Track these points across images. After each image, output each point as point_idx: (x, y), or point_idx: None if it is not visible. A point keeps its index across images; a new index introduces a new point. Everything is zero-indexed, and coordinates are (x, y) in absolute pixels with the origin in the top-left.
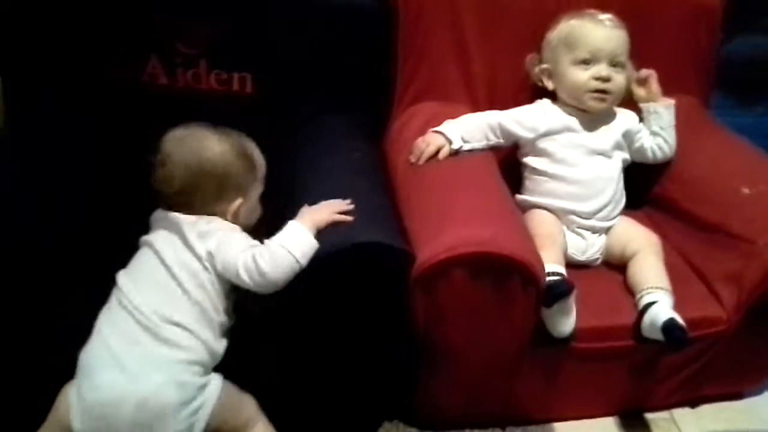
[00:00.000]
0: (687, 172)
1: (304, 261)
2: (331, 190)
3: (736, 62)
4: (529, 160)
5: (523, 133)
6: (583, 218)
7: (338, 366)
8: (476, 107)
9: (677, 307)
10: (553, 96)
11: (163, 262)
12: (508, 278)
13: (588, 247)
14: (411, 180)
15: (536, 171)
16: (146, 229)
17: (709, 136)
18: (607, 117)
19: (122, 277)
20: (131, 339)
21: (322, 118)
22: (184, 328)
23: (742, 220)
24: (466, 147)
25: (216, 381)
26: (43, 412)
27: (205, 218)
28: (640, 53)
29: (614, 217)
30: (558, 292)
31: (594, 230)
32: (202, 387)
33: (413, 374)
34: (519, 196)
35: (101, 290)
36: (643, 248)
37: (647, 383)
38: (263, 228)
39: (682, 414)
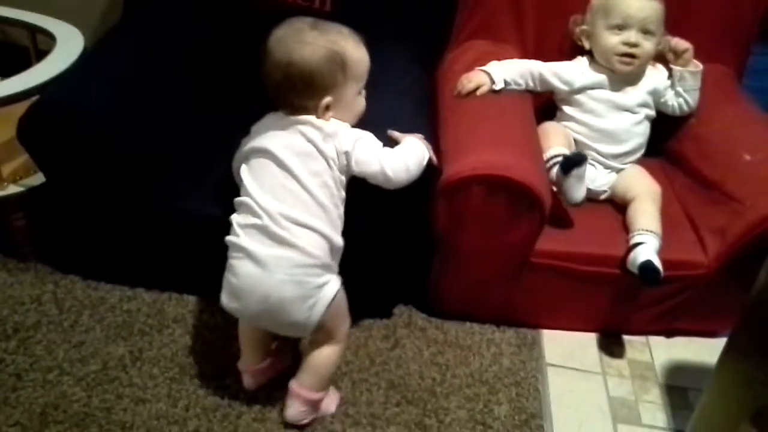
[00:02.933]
0: (703, 133)
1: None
2: (382, 109)
3: None
4: (562, 106)
5: (560, 85)
6: (602, 156)
7: (369, 253)
8: (524, 51)
9: (667, 248)
10: (590, 54)
11: (285, 167)
12: (518, 200)
13: (597, 177)
14: (452, 108)
15: (567, 116)
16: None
17: (730, 105)
18: (636, 77)
19: (250, 184)
20: (263, 238)
21: (386, 41)
22: (310, 228)
23: (736, 182)
24: (507, 88)
25: (333, 284)
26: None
27: (322, 120)
28: (680, 23)
29: (631, 160)
30: (575, 160)
31: (606, 166)
32: (320, 286)
33: (428, 268)
34: None
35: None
36: (643, 194)
37: (629, 310)
38: None
39: (656, 341)
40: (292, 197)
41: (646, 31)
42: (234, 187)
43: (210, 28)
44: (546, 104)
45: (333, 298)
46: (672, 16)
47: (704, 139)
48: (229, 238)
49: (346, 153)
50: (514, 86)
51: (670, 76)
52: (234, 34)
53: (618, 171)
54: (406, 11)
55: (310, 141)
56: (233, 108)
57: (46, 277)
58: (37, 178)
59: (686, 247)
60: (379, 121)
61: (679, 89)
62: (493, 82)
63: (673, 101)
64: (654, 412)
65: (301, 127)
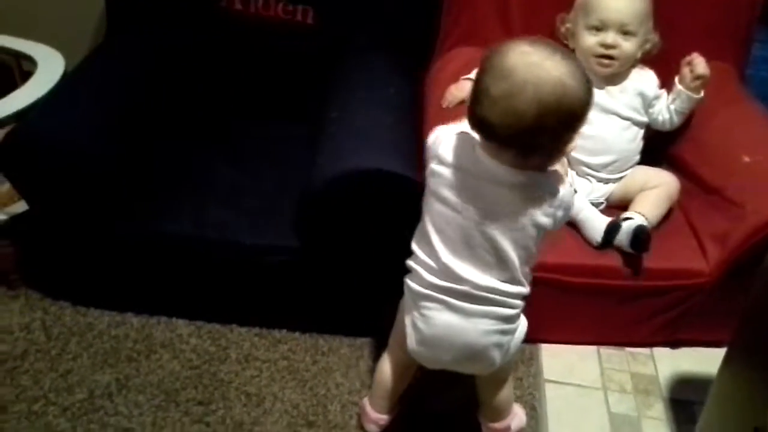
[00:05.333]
0: (700, 135)
1: None
2: (362, 121)
3: None
4: None
5: None
6: (592, 169)
7: (359, 269)
8: None
9: (668, 256)
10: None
11: (492, 242)
12: None
13: (593, 190)
14: (438, 118)
15: None
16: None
17: (729, 105)
18: (623, 79)
19: (442, 250)
20: (465, 299)
21: (369, 53)
22: (510, 295)
23: (736, 186)
24: None
25: (523, 325)
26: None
27: (550, 188)
28: (676, 21)
29: (625, 170)
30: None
31: (599, 179)
32: (514, 331)
33: None
34: None
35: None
36: (662, 185)
37: (630, 321)
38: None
39: (661, 353)
40: (497, 270)
41: (625, 32)
42: (220, 207)
43: (192, 48)
44: None
45: (521, 340)
46: (667, 13)
47: (703, 141)
48: (417, 288)
49: (558, 224)
50: None
51: (669, 89)
52: (217, 52)
53: (615, 181)
54: (389, 21)
55: (532, 221)
56: (214, 129)
57: (35, 304)
58: (23, 205)
59: (687, 255)
60: (361, 134)
61: (672, 107)
62: None
63: (659, 115)
64: (658, 429)
65: (524, 204)
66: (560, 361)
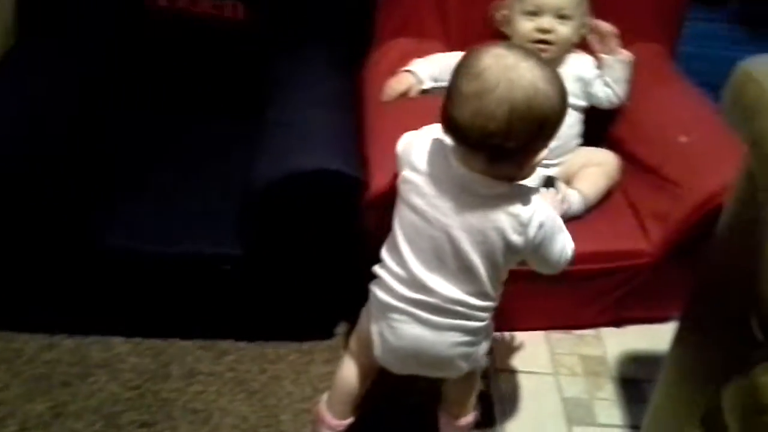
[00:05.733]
0: (636, 115)
1: None
2: (301, 120)
3: None
4: None
5: None
6: None
7: (304, 271)
8: (449, 45)
9: (609, 238)
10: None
11: (462, 256)
12: None
13: (535, 176)
14: (377, 112)
15: None
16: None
17: (663, 84)
18: (559, 65)
19: (411, 259)
20: (433, 311)
21: (304, 47)
22: (478, 309)
23: (674, 166)
24: (437, 85)
25: (490, 333)
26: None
27: (518, 204)
28: (610, 4)
29: (565, 154)
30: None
31: (541, 165)
32: (481, 341)
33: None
34: None
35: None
36: (602, 164)
37: (576, 305)
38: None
39: (608, 332)
40: (466, 284)
41: (561, 16)
42: (157, 215)
43: (117, 47)
44: None
45: (486, 349)
46: None
47: (639, 122)
48: (386, 299)
49: (533, 245)
50: (444, 83)
51: (600, 66)
52: (144, 50)
53: (556, 165)
54: (324, 15)
55: (502, 236)
56: (148, 130)
57: None
58: None
59: (629, 236)
60: (300, 133)
61: (607, 79)
62: (420, 82)
63: (600, 92)
64: (609, 410)
65: (494, 217)
66: (510, 349)
